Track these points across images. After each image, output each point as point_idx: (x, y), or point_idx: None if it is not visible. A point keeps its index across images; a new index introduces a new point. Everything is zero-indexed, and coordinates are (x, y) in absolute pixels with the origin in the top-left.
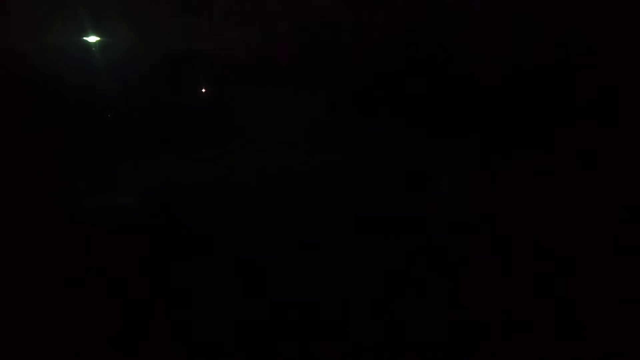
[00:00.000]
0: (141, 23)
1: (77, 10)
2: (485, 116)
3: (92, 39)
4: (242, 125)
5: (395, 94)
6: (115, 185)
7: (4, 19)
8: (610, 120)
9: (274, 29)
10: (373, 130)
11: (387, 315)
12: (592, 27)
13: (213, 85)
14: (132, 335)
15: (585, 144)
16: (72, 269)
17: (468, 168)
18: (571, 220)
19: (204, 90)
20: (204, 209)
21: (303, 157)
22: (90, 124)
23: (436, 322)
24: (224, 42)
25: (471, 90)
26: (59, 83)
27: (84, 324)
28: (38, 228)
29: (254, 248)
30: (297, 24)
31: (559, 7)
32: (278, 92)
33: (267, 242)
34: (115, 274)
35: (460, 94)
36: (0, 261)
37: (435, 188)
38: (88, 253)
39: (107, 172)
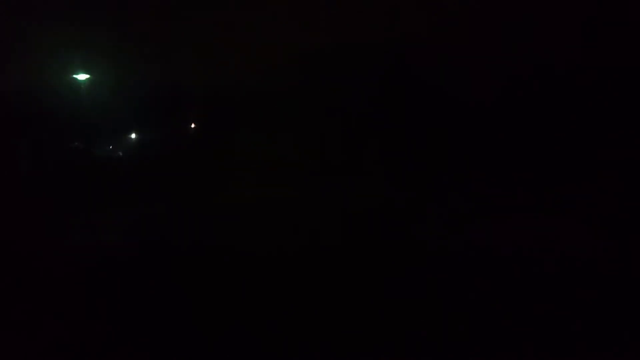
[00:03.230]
0: (131, 60)
1: (66, 48)
2: (490, 123)
3: (82, 76)
4: (236, 159)
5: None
6: (110, 220)
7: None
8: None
9: (267, 63)
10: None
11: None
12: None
13: (203, 120)
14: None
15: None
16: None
17: (471, 171)
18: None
19: (193, 125)
20: (201, 241)
21: (299, 189)
22: (83, 160)
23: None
24: (214, 77)
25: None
26: (50, 120)
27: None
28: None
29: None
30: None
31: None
32: (270, 126)
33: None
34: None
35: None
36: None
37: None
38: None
39: (102, 207)
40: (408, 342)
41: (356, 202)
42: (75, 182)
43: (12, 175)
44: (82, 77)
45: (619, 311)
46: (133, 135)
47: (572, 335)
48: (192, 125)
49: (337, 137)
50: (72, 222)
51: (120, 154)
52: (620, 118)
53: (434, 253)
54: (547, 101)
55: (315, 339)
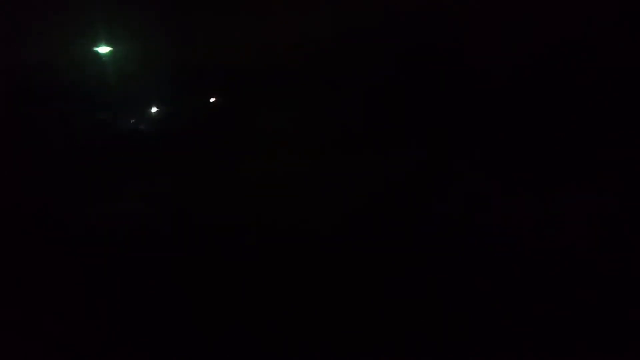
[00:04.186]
0: (151, 33)
1: (87, 21)
2: (489, 120)
3: (103, 49)
4: (252, 133)
5: (403, 99)
6: (124, 192)
7: (16, 30)
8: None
9: (282, 38)
10: (381, 134)
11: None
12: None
13: (223, 94)
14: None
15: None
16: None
17: (471, 171)
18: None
19: (213, 99)
20: (212, 215)
21: (312, 163)
22: (100, 132)
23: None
24: (233, 51)
25: (474, 93)
26: (70, 92)
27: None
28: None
29: (262, 252)
30: (304, 31)
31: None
32: (287, 99)
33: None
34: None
35: (463, 97)
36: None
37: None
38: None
39: (117, 179)
40: (408, 342)
41: (355, 198)
42: (98, 155)
43: (33, 148)
44: (104, 49)
45: (619, 311)
46: (155, 109)
47: (572, 335)
48: (213, 100)
49: (353, 108)
50: (92, 195)
51: (143, 127)
52: (622, 117)
53: (434, 251)
54: (550, 100)
55: (316, 333)
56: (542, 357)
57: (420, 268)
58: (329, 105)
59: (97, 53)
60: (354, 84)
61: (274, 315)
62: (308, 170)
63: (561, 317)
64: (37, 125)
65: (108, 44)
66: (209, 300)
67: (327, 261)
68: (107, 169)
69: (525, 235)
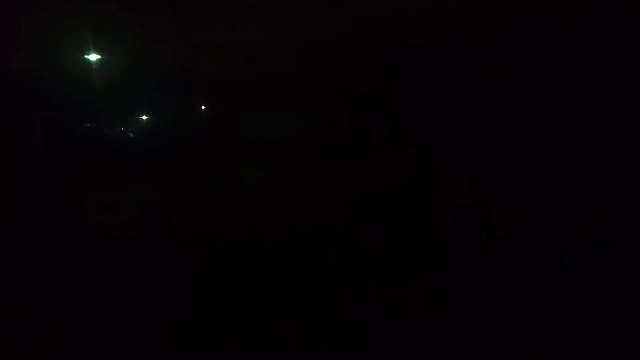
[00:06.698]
0: (142, 42)
1: (79, 29)
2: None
3: (93, 57)
4: (241, 141)
5: (399, 105)
6: (116, 200)
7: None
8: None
9: (275, 47)
10: (373, 142)
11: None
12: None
13: (213, 102)
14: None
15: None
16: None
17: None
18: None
19: (203, 107)
20: (204, 221)
21: (304, 170)
22: (91, 140)
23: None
24: (224, 60)
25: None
26: (62, 99)
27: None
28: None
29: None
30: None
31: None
32: (276, 109)
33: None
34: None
35: (460, 102)
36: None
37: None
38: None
39: (109, 188)
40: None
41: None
42: (87, 162)
43: (24, 154)
44: (93, 57)
45: (618, 311)
46: (144, 117)
47: (572, 335)
48: (202, 108)
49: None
50: (82, 201)
51: (131, 135)
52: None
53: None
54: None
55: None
56: (542, 357)
57: (419, 270)
58: (319, 112)
59: (86, 61)
60: (346, 91)
61: (266, 318)
62: (301, 176)
63: (561, 317)
64: (27, 133)
65: (97, 52)
66: (200, 304)
67: (319, 266)
68: (98, 177)
69: (525, 237)
